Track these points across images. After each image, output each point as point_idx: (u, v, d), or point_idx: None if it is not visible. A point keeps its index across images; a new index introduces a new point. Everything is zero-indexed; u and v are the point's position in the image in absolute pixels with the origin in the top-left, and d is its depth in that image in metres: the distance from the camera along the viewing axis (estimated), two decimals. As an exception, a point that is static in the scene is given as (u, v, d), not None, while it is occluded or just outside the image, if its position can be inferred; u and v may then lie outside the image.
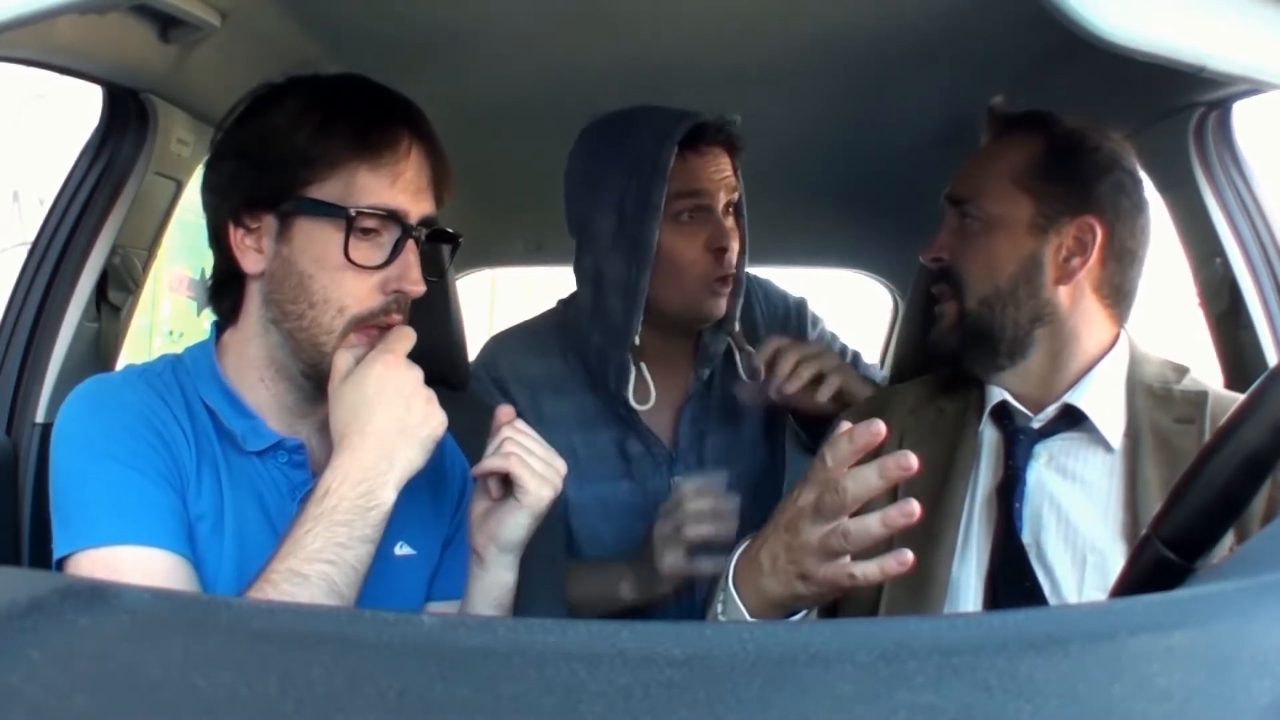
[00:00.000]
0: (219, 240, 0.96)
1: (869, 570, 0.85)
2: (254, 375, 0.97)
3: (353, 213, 0.91)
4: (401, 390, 0.90)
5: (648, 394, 1.34)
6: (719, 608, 0.96)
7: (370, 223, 0.92)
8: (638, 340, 1.30)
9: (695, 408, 1.42)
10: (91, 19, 1.05)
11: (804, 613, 0.96)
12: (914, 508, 0.82)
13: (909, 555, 0.84)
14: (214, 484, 0.93)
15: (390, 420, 0.88)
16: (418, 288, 0.95)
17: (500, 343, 1.49)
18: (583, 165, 1.34)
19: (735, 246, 1.34)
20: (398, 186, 0.93)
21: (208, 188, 0.97)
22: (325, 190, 0.91)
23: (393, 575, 0.97)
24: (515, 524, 0.95)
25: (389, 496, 0.87)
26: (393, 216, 0.92)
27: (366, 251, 0.92)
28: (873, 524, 0.83)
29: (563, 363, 1.42)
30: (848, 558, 0.86)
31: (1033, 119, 1.10)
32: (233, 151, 0.95)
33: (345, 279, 0.92)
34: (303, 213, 0.92)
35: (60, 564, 0.88)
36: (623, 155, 1.27)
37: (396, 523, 0.89)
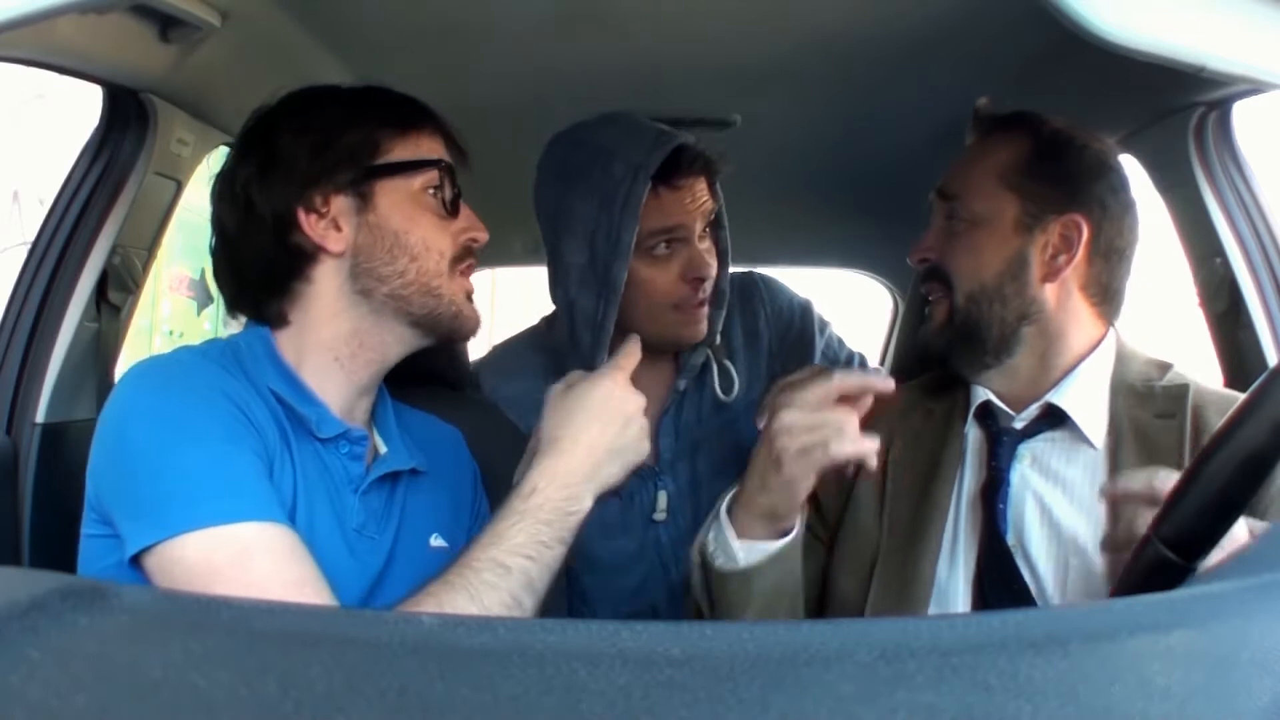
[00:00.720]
0: (282, 235, 0.94)
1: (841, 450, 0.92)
2: (326, 356, 0.96)
3: (441, 160, 0.97)
4: (623, 410, 0.94)
5: None
6: (710, 534, 1.00)
7: (445, 175, 0.98)
8: None
9: (674, 422, 1.40)
10: (91, 19, 1.05)
11: (792, 534, 0.99)
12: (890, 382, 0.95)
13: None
14: (290, 468, 0.92)
15: (605, 435, 0.92)
16: (485, 234, 1.00)
17: (481, 366, 1.48)
18: (552, 191, 1.30)
19: (713, 270, 1.31)
20: (444, 149, 0.99)
21: (266, 195, 0.95)
22: (397, 154, 0.96)
23: (429, 566, 0.96)
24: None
25: (588, 504, 0.91)
26: (452, 172, 0.98)
27: (444, 202, 0.97)
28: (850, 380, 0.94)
29: (541, 385, 1.39)
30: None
31: (1019, 119, 1.10)
32: (289, 154, 0.94)
33: (436, 226, 0.97)
34: (383, 176, 0.95)
35: (144, 552, 0.81)
36: (593, 186, 1.23)
37: (430, 516, 0.90)
